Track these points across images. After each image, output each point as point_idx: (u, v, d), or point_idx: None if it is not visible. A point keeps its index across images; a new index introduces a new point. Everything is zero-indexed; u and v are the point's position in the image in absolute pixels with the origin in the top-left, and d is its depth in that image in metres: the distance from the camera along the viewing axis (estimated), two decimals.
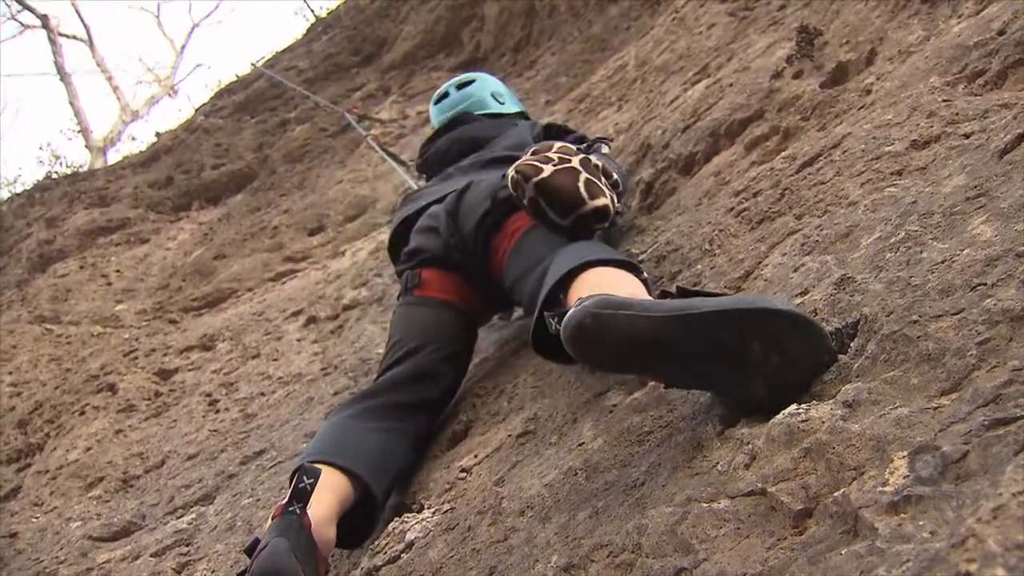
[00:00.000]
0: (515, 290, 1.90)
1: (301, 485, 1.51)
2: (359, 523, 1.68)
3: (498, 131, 2.55)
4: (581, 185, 1.77)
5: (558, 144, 1.90)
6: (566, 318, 1.18)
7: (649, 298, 1.32)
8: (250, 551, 1.43)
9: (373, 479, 1.67)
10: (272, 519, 1.48)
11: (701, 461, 1.08)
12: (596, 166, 1.85)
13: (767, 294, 1.37)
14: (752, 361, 1.06)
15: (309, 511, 1.48)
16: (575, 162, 1.82)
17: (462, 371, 2.09)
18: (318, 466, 1.59)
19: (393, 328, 2.11)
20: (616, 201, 1.85)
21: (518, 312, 2.38)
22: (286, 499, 1.50)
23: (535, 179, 1.77)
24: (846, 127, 1.73)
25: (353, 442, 1.73)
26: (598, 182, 1.81)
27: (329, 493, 1.56)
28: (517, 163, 1.83)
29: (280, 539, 1.40)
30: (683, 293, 1.19)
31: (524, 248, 1.89)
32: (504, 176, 1.96)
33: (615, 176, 1.92)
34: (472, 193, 2.08)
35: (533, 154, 1.84)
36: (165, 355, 3.90)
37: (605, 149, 2.28)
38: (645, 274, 1.59)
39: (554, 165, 1.79)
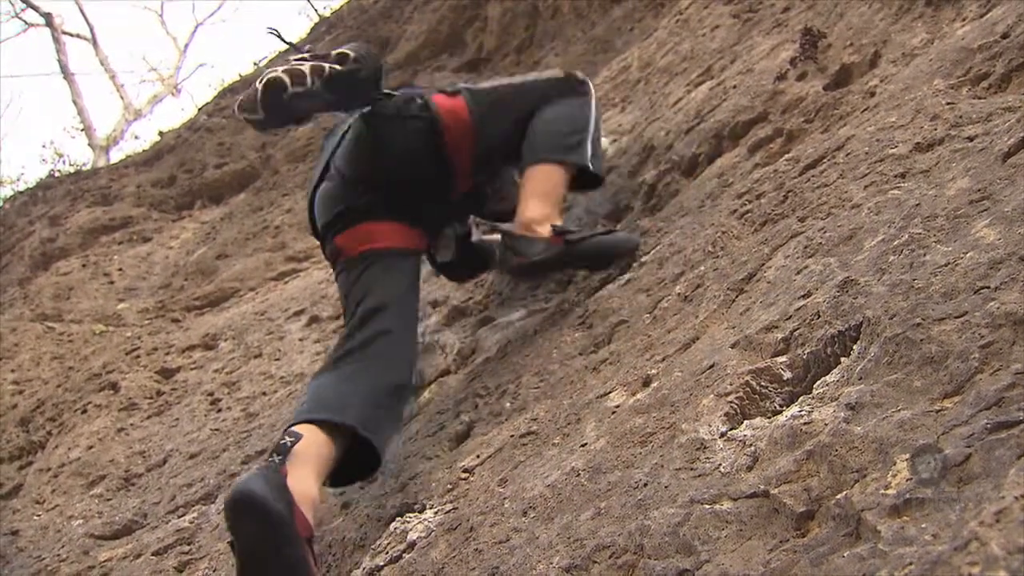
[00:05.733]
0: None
1: (282, 441, 1.58)
2: (362, 464, 1.74)
3: None
4: (284, 76, 1.91)
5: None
6: None
7: None
8: None
9: (354, 419, 1.70)
10: None
11: (704, 463, 1.08)
12: (302, 57, 1.99)
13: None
14: None
15: (288, 464, 1.54)
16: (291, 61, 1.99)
17: (410, 299, 2.08)
18: (300, 429, 1.63)
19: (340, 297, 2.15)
20: (320, 69, 1.97)
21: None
22: (267, 454, 1.58)
23: (253, 94, 1.91)
24: (850, 129, 1.73)
25: (328, 395, 1.77)
26: (276, 69, 1.94)
27: (309, 452, 1.60)
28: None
29: (254, 473, 1.48)
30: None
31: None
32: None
33: (333, 57, 2.03)
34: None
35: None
36: (167, 354, 3.90)
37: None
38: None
39: (268, 73, 1.95)
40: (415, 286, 2.10)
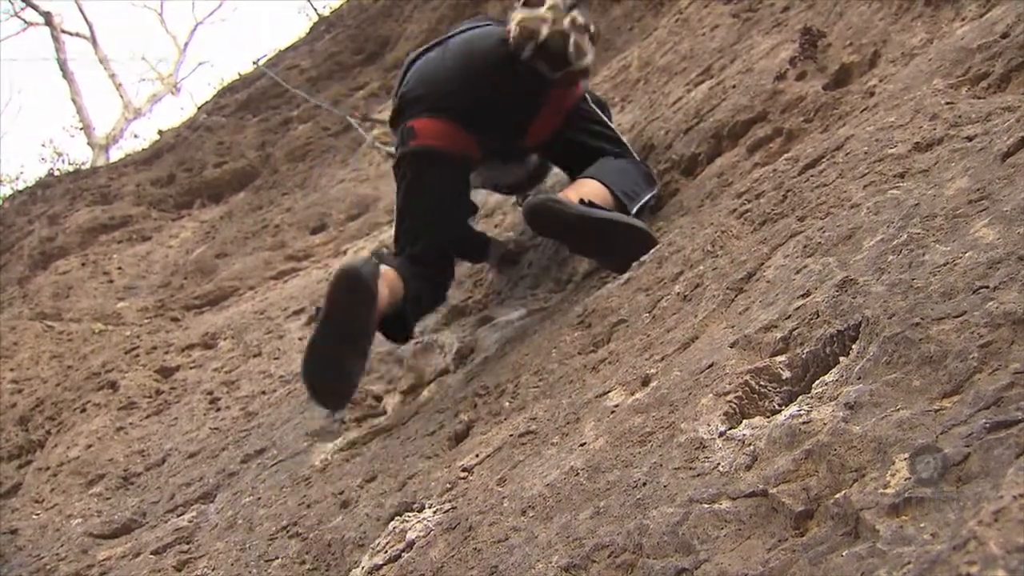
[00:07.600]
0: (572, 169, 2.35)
1: (383, 251, 2.00)
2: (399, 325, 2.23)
3: None
4: (571, 47, 2.12)
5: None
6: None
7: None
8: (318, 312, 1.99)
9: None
10: None
11: (703, 462, 1.08)
12: (583, 25, 2.17)
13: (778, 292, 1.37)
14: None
15: (382, 267, 2.01)
16: (566, 24, 2.14)
17: (465, 215, 2.44)
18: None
19: (399, 199, 2.35)
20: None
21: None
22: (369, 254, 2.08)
23: (535, 42, 2.11)
24: (849, 129, 1.73)
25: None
26: (583, 42, 2.15)
27: (391, 279, 2.06)
28: (519, 18, 2.15)
29: (362, 258, 1.92)
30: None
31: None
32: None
33: (592, 28, 2.25)
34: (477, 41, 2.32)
35: (527, 6, 2.17)
36: (166, 353, 3.90)
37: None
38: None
39: (548, 25, 2.12)
40: (468, 193, 2.41)
